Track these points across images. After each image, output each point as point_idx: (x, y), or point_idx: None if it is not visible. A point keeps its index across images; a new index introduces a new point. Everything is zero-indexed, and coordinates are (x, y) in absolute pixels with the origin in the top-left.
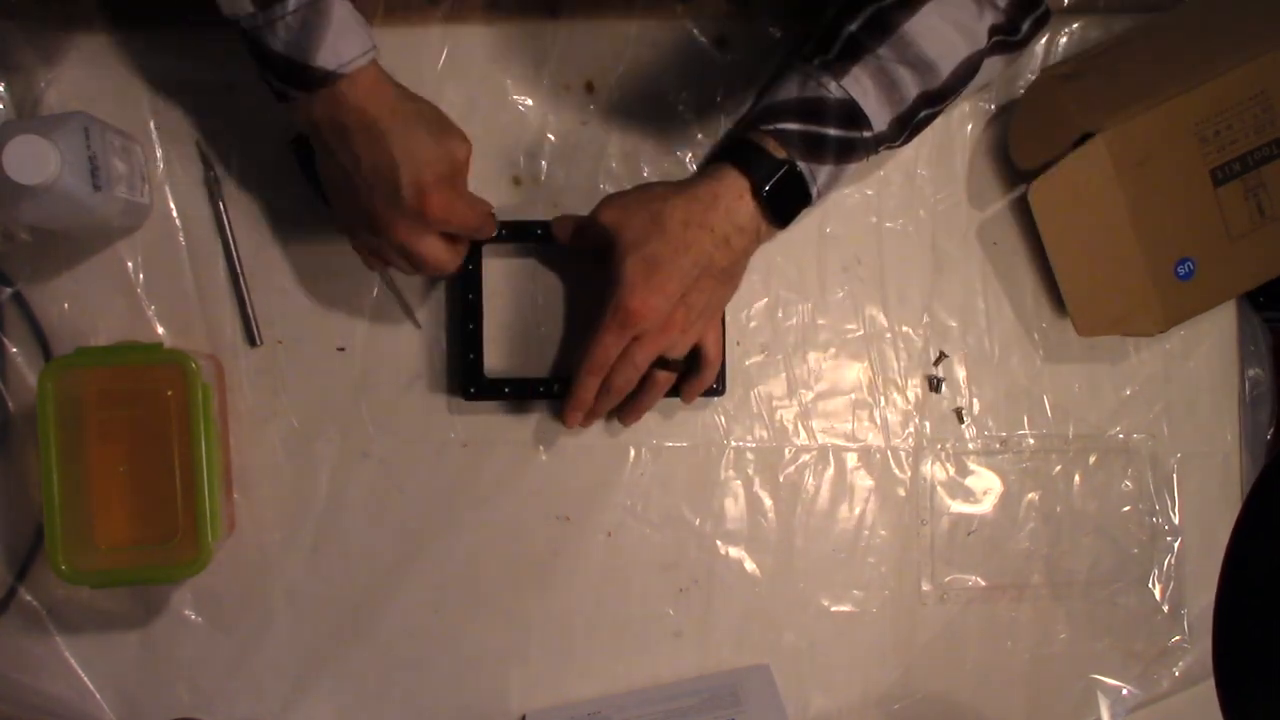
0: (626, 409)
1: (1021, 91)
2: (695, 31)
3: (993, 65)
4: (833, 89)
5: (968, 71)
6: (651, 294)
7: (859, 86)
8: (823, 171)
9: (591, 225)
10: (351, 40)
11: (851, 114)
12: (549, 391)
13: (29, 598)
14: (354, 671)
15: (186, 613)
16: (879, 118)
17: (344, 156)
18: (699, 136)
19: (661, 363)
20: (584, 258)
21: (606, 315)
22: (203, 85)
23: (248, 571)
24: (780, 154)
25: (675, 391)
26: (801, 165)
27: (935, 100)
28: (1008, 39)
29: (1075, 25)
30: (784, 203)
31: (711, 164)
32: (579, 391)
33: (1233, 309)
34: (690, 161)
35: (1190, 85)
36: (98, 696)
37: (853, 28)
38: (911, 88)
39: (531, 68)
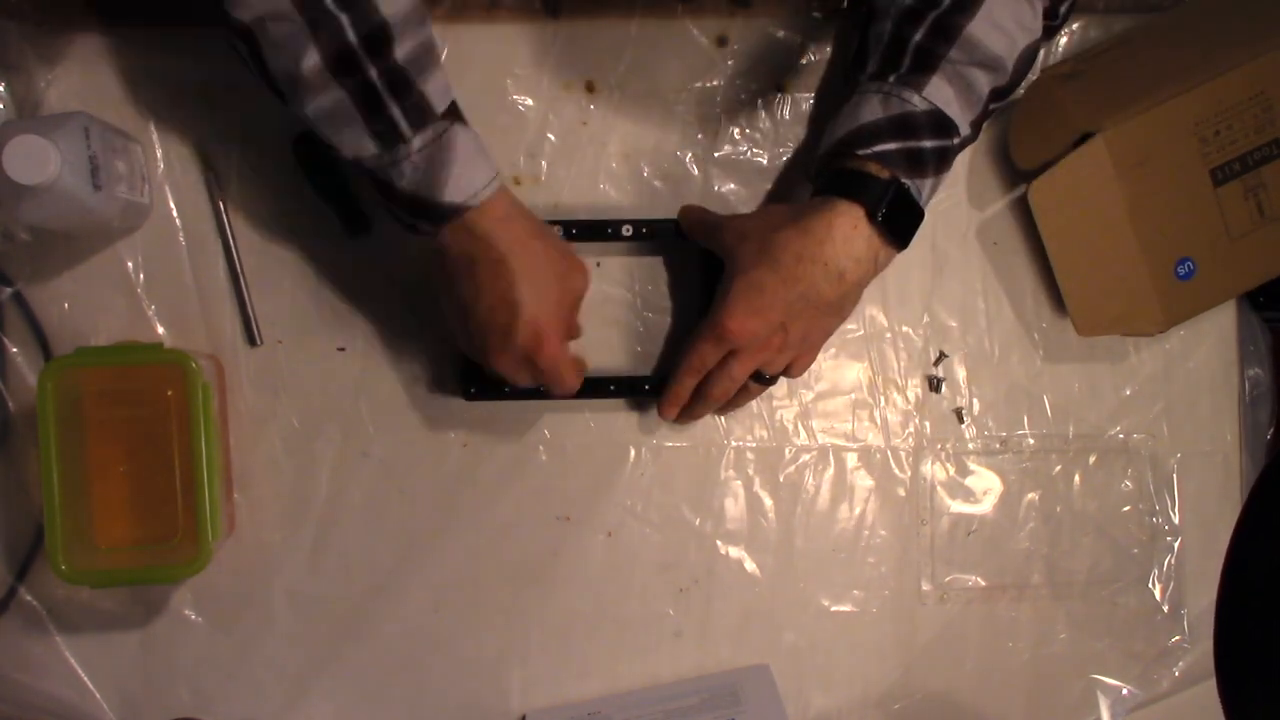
0: (700, 406)
1: (1021, 91)
2: (695, 31)
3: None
4: (917, 102)
5: (1028, 62)
6: (750, 317)
7: (941, 95)
8: (927, 185)
9: (711, 232)
10: (477, 171)
11: (941, 123)
12: (549, 392)
13: (29, 598)
14: (354, 671)
15: (186, 613)
16: (963, 122)
17: (466, 287)
18: (699, 136)
19: (756, 376)
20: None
21: (705, 327)
22: (203, 85)
23: (248, 571)
24: (885, 175)
25: None
26: (908, 182)
27: (1004, 95)
28: (1050, 24)
29: (1075, 25)
30: (899, 223)
31: (818, 196)
32: (675, 388)
33: (1233, 309)
34: (690, 162)
35: (1190, 85)
36: (98, 696)
37: (918, 38)
38: (984, 87)
39: (531, 68)
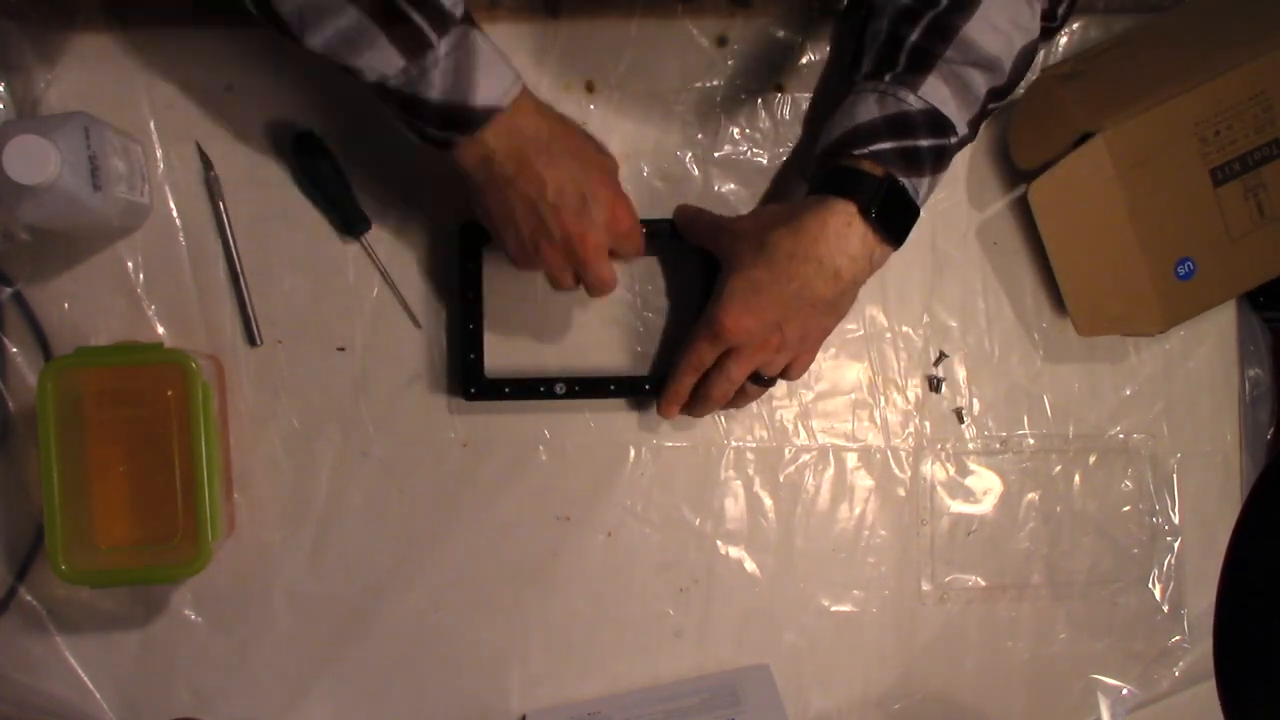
0: (699, 406)
1: (1021, 91)
2: (695, 31)
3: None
4: (913, 101)
5: (1026, 63)
6: (745, 315)
7: (937, 94)
8: (923, 183)
9: (710, 235)
10: (503, 71)
11: (937, 122)
12: (550, 392)
13: (29, 598)
14: (354, 671)
15: (186, 613)
16: (959, 121)
17: (525, 184)
18: (699, 136)
19: (755, 377)
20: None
21: (702, 326)
22: (203, 85)
23: (248, 571)
24: (879, 173)
25: None
26: (904, 180)
27: (1002, 95)
28: (1048, 25)
29: (1075, 25)
30: (894, 220)
31: (812, 195)
32: (674, 387)
33: (1233, 309)
34: (690, 162)
35: (1190, 85)
36: (98, 696)
37: (914, 38)
38: (982, 87)
39: (531, 68)
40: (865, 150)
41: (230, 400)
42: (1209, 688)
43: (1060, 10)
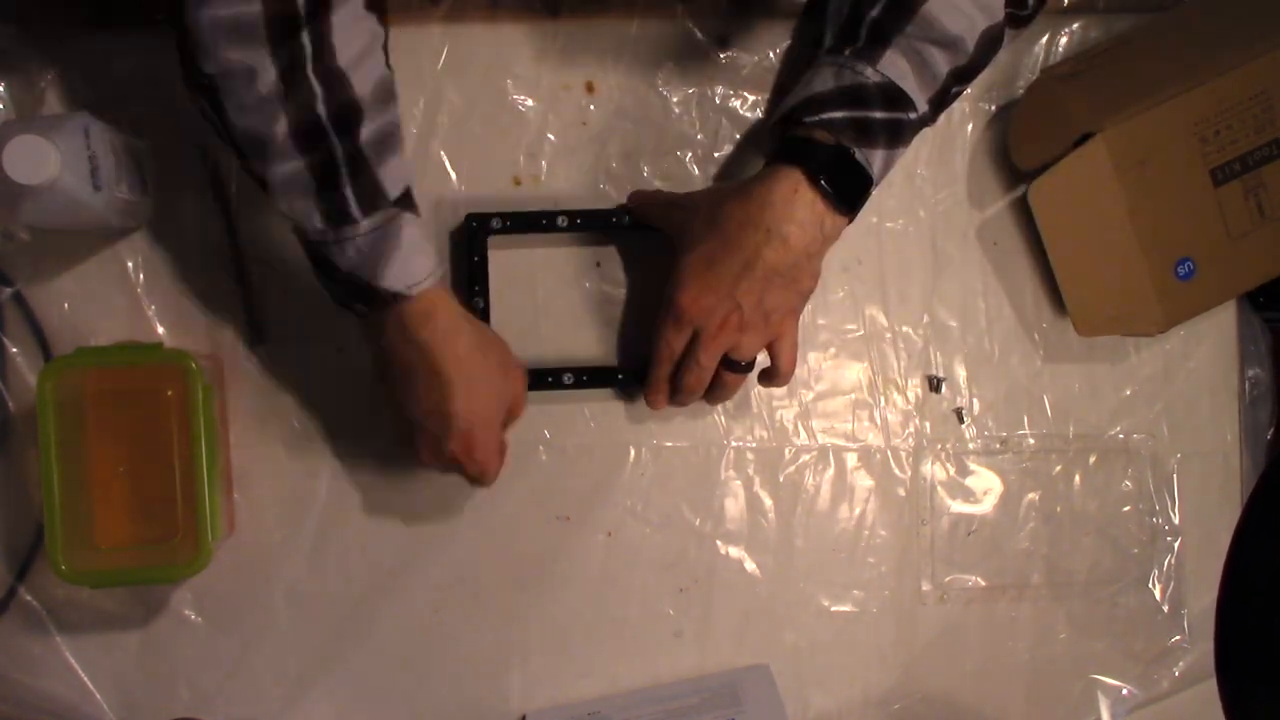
0: (680, 397)
1: (1021, 91)
2: (695, 31)
3: (1007, 40)
4: (870, 74)
5: (991, 45)
6: (702, 293)
7: (895, 69)
8: (877, 155)
9: (664, 215)
10: (419, 262)
11: (894, 96)
12: (558, 382)
13: (29, 598)
14: (354, 671)
15: (186, 613)
16: (919, 99)
17: (404, 392)
18: (699, 136)
19: (731, 365)
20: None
21: (664, 310)
22: None
23: (248, 571)
24: (830, 141)
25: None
26: (855, 150)
27: (965, 77)
28: (1017, 12)
29: (1075, 25)
30: (845, 188)
31: (765, 166)
32: (653, 380)
33: (1233, 309)
34: (690, 162)
35: (1190, 85)
36: (98, 696)
37: (875, 14)
38: (943, 66)
39: (531, 68)
40: (816, 118)
41: (230, 400)
42: (1209, 688)
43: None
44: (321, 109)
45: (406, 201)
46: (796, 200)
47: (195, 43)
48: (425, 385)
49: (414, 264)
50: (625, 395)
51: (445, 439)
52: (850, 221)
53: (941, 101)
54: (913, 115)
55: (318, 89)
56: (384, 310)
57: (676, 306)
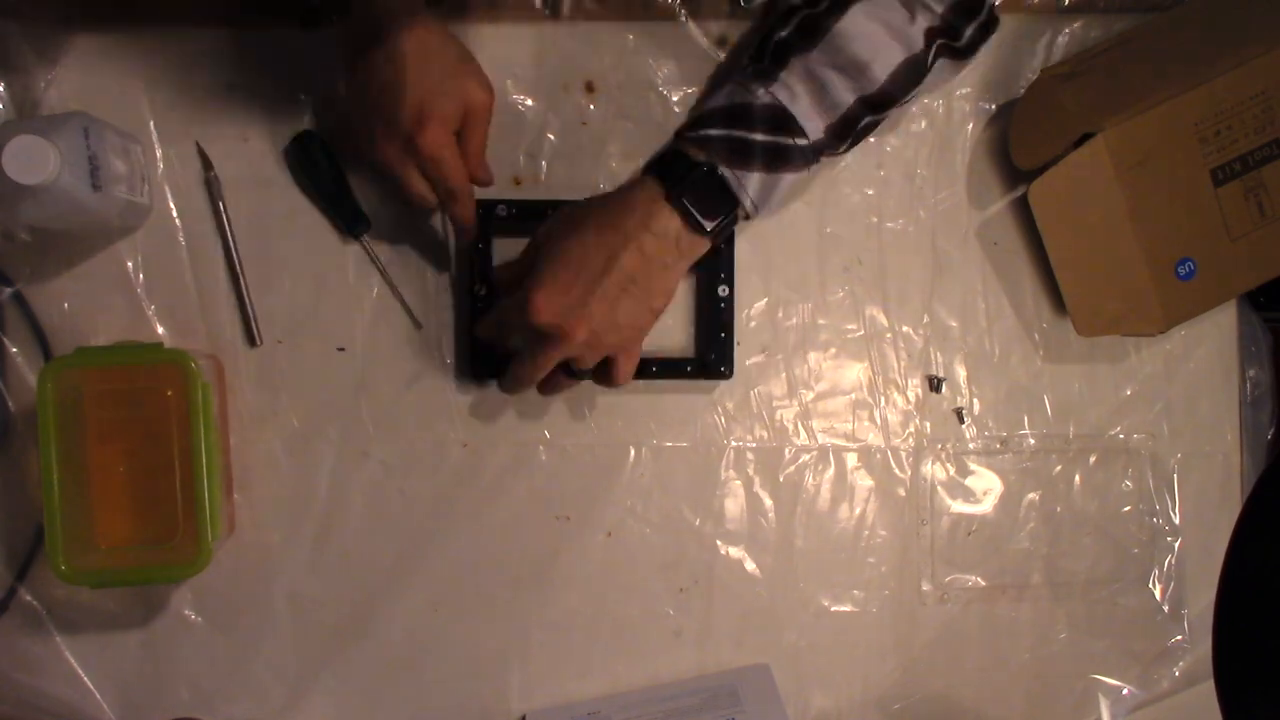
0: (510, 384)
1: (1021, 91)
2: (695, 31)
3: (940, 71)
4: (760, 94)
5: (908, 76)
6: (558, 293)
7: (788, 91)
8: (752, 179)
9: (521, 258)
10: None
11: (779, 119)
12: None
13: (29, 598)
14: (354, 671)
15: (186, 613)
16: (812, 124)
17: (359, 72)
18: None
19: (569, 370)
20: None
21: (512, 300)
22: (203, 85)
23: (248, 571)
24: (702, 158)
25: (679, 374)
26: (725, 170)
27: (877, 106)
28: (951, 44)
29: (1075, 25)
30: (703, 208)
31: (640, 174)
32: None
33: (1233, 309)
34: None
35: (1190, 85)
36: (98, 696)
37: (783, 34)
38: (845, 93)
39: (531, 68)
40: (695, 134)
41: (230, 400)
42: (1209, 688)
43: (967, 30)
44: None
45: None
46: (656, 211)
47: None
48: (380, 58)
49: None
50: (629, 392)
51: (398, 112)
52: (713, 244)
53: (845, 130)
54: (801, 141)
55: None
56: (355, 14)
57: (528, 303)
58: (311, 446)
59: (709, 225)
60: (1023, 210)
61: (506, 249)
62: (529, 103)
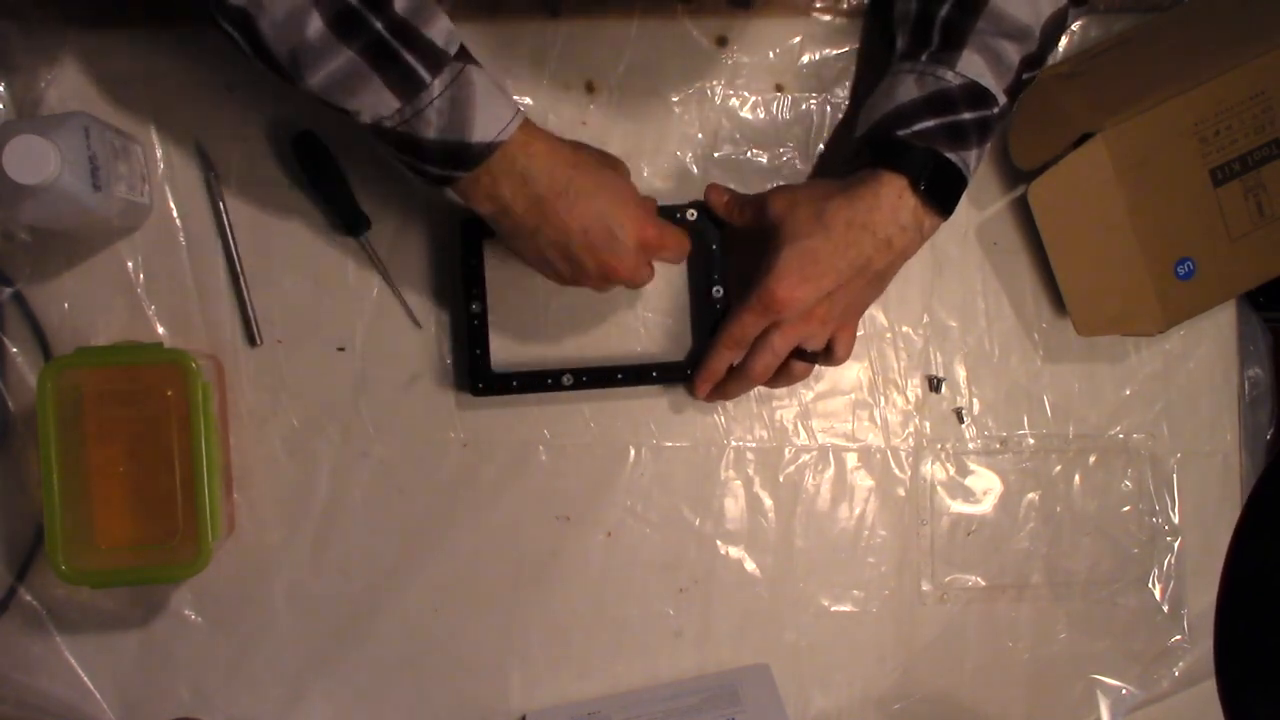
0: (736, 384)
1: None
2: (695, 31)
3: (1071, 21)
4: (951, 77)
5: (1057, 29)
6: (801, 285)
7: (973, 68)
8: (971, 156)
9: (756, 208)
10: (501, 105)
11: (977, 95)
12: (558, 384)
13: (29, 598)
14: (354, 671)
15: (186, 613)
16: (998, 92)
17: (552, 232)
18: (699, 136)
19: (799, 353)
20: None
21: (751, 298)
22: (203, 85)
23: (248, 571)
24: (927, 148)
25: (677, 378)
26: (951, 155)
27: (1035, 63)
28: None
29: (1075, 25)
30: (944, 191)
31: (863, 170)
32: (712, 363)
33: (1233, 309)
34: (690, 161)
35: (1190, 85)
36: (98, 696)
37: (944, 13)
38: (1014, 56)
39: (531, 68)
40: (909, 131)
41: (230, 400)
42: (1209, 688)
43: None
44: None
45: (465, 54)
46: (901, 205)
47: None
48: (564, 204)
49: (499, 107)
50: (629, 392)
51: (619, 236)
52: (945, 220)
53: (1017, 90)
54: (996, 110)
55: None
56: (485, 163)
57: (771, 295)
58: (311, 446)
59: (950, 206)
60: (1022, 210)
61: (503, 258)
62: (529, 103)
